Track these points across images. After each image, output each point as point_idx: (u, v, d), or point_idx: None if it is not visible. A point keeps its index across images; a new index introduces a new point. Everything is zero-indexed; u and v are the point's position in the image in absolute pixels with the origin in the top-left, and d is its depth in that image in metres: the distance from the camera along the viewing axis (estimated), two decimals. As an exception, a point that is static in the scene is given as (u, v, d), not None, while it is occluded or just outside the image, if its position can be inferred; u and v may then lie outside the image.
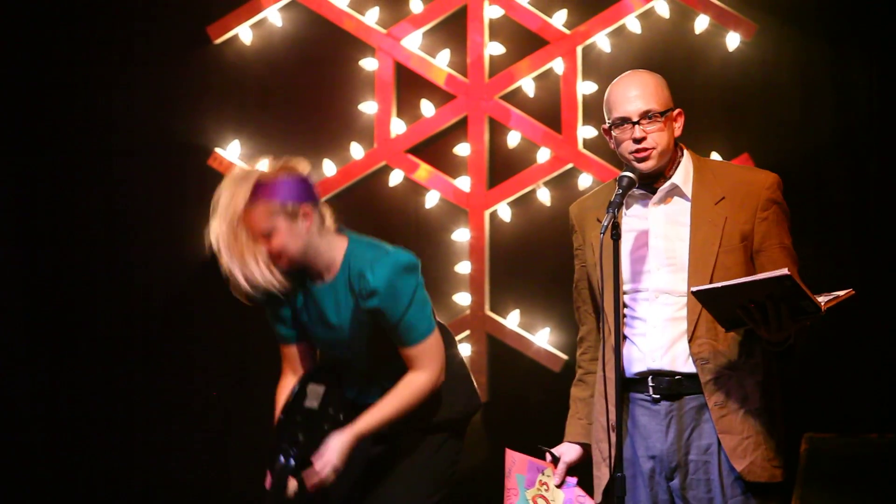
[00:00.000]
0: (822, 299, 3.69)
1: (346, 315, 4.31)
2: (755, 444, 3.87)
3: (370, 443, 4.39)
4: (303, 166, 4.30)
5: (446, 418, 4.40)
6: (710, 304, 3.73)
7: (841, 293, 3.74)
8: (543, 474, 4.04)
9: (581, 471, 4.09)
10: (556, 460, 4.04)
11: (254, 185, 4.21)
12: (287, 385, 4.43)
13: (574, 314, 4.22)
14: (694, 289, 3.71)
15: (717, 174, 3.95)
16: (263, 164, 4.28)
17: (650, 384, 3.92)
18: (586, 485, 4.05)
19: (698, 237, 3.89)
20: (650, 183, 3.95)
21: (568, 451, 4.09)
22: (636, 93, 3.93)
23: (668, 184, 3.94)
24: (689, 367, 3.89)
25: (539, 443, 4.13)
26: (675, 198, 3.95)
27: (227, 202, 4.24)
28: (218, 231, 4.25)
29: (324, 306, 4.35)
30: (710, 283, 3.80)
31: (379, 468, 4.41)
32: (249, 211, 4.21)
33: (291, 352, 4.48)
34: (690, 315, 3.87)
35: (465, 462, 6.13)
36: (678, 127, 3.96)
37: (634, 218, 3.97)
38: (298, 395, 4.30)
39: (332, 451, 4.21)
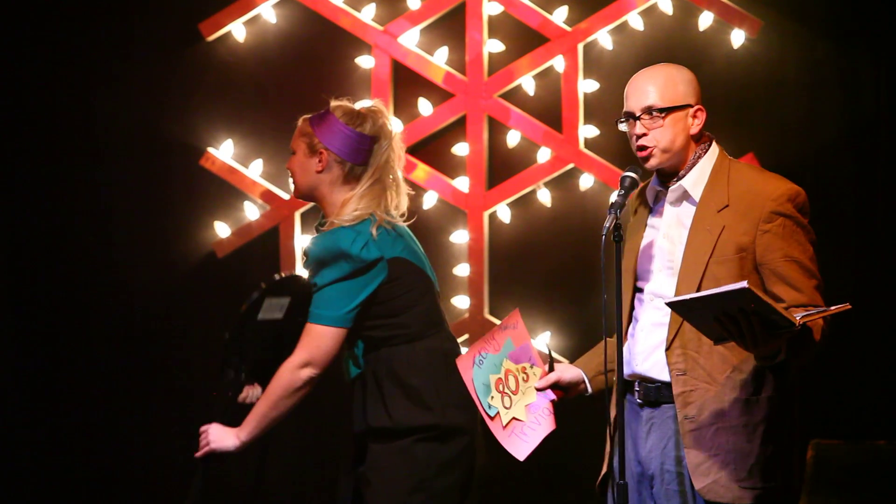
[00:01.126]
0: (801, 314, 3.59)
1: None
2: (722, 463, 3.78)
3: (352, 464, 4.42)
4: (374, 127, 4.38)
5: (418, 424, 4.36)
6: (689, 316, 3.67)
7: (832, 308, 3.63)
8: (531, 367, 4.00)
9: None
10: (551, 367, 3.99)
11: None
12: None
13: None
14: (667, 301, 3.65)
15: (732, 180, 3.85)
16: (364, 103, 4.46)
17: (636, 388, 3.89)
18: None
19: (693, 244, 3.82)
20: (665, 181, 3.90)
21: (567, 370, 4.00)
22: (644, 88, 3.87)
23: (676, 185, 3.88)
24: (667, 375, 3.84)
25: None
26: (686, 200, 3.89)
27: None
28: None
29: None
30: (698, 290, 3.75)
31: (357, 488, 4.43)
32: (301, 122, 4.47)
33: None
34: (672, 324, 3.82)
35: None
36: (696, 124, 3.86)
37: (655, 216, 3.93)
38: (253, 305, 4.34)
39: (221, 439, 4.32)
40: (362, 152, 4.37)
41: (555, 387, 3.97)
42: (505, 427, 3.93)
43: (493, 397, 3.95)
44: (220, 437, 4.33)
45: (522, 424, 3.93)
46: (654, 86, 3.85)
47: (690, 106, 3.85)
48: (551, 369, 3.98)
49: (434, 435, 4.36)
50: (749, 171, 3.92)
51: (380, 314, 4.36)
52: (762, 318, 3.53)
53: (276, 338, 4.37)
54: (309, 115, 4.44)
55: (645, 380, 3.88)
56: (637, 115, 3.84)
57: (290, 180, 4.49)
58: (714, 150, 3.89)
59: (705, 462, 3.77)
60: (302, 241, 6.18)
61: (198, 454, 4.36)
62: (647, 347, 3.87)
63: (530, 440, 3.91)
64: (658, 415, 3.86)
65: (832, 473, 5.34)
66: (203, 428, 4.38)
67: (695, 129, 3.85)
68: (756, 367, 3.79)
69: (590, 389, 4.01)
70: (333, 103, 4.43)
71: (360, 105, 4.45)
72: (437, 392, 4.38)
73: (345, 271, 4.28)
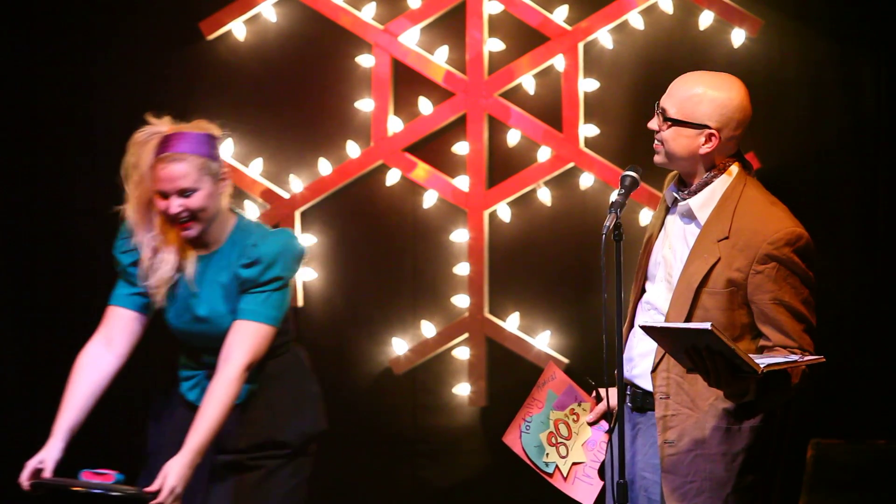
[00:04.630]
0: (768, 360, 3.55)
1: (219, 294, 4.19)
2: (698, 490, 3.76)
3: (207, 471, 4.22)
4: (215, 128, 4.14)
5: (288, 440, 4.30)
6: (661, 343, 3.66)
7: (806, 359, 3.60)
8: (579, 405, 4.00)
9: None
10: (599, 399, 3.98)
11: (168, 136, 4.06)
12: (97, 358, 4.27)
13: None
14: (642, 324, 3.63)
15: (739, 211, 3.76)
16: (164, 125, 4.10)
17: (627, 392, 3.88)
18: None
19: (689, 269, 3.78)
20: (681, 188, 3.86)
21: (613, 394, 3.98)
22: (673, 89, 3.82)
23: (683, 203, 3.83)
24: (651, 387, 3.83)
25: None
26: (693, 220, 3.83)
27: (136, 162, 4.10)
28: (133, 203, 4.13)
29: (198, 279, 4.21)
30: (688, 319, 3.72)
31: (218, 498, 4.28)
32: (166, 163, 4.03)
33: (119, 316, 4.31)
34: (659, 346, 3.79)
35: (465, 469, 6.13)
36: (706, 147, 3.76)
37: (671, 219, 3.89)
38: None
39: (173, 476, 4.01)
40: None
41: (607, 416, 3.97)
42: (566, 477, 3.94)
43: (547, 454, 3.96)
44: (178, 474, 4.00)
45: (583, 466, 3.93)
46: (679, 92, 3.79)
47: (706, 128, 3.75)
48: (598, 399, 3.97)
49: (304, 447, 4.34)
50: (756, 204, 3.79)
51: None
52: (726, 359, 3.50)
53: None
54: (169, 148, 4.07)
55: (634, 385, 3.87)
56: (658, 110, 3.82)
57: (190, 229, 4.10)
58: (729, 176, 3.80)
59: (681, 488, 3.76)
60: (302, 239, 6.14)
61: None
62: (637, 355, 3.86)
63: (594, 480, 3.91)
64: (643, 421, 3.86)
65: (832, 473, 5.32)
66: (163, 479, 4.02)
67: (704, 151, 3.77)
68: None
69: None
70: (167, 126, 4.11)
71: (167, 124, 4.19)
72: (306, 406, 4.37)
73: (292, 271, 4.14)
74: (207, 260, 4.19)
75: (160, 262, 4.14)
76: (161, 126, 4.13)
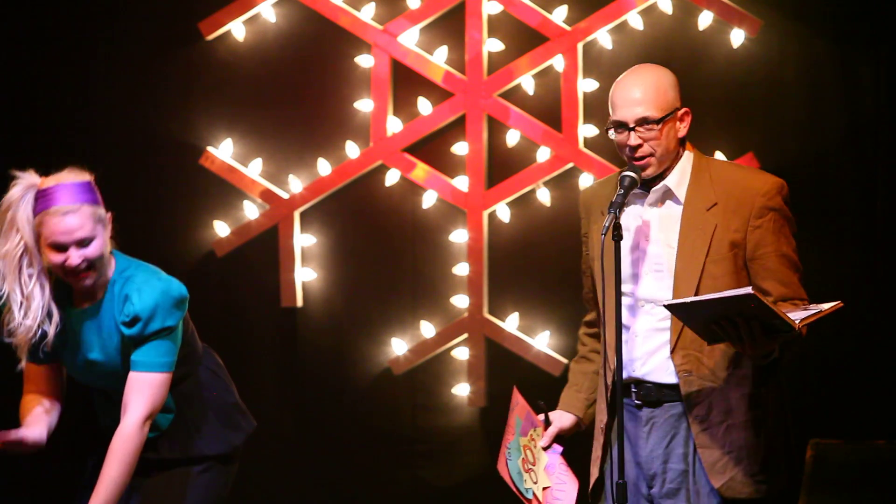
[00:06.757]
0: (798, 315, 3.59)
1: (112, 344, 4.16)
2: (737, 460, 3.80)
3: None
4: (87, 173, 4.10)
5: (211, 453, 4.29)
6: (686, 318, 3.67)
7: (826, 307, 3.65)
8: (535, 430, 4.00)
9: (570, 443, 4.05)
10: (548, 423, 3.99)
11: (50, 189, 4.01)
12: (33, 407, 4.25)
13: (582, 298, 4.15)
14: (665, 303, 3.65)
15: (715, 178, 3.85)
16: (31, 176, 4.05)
17: (633, 391, 3.88)
18: (573, 462, 3.99)
19: (686, 245, 3.81)
20: (647, 182, 3.88)
21: (560, 418, 4.02)
22: (636, 96, 3.83)
23: (660, 185, 3.86)
24: (669, 377, 3.84)
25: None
26: (669, 201, 3.87)
27: (11, 217, 4.01)
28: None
29: (85, 333, 4.18)
30: (697, 292, 3.75)
31: None
32: (59, 217, 4.00)
33: (38, 373, 4.27)
34: (674, 325, 3.81)
35: (464, 470, 6.12)
36: (683, 127, 3.86)
37: (631, 217, 3.89)
38: None
39: None
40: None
41: (559, 439, 3.98)
42: (542, 502, 3.94)
43: (525, 480, 3.97)
44: None
45: (552, 489, 3.93)
46: (648, 95, 3.81)
47: (679, 109, 3.84)
48: (547, 422, 3.98)
49: (233, 454, 4.35)
50: (729, 168, 3.94)
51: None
52: (762, 322, 3.53)
53: None
54: (63, 201, 4.01)
55: (643, 382, 3.87)
56: (631, 126, 3.81)
57: (88, 279, 4.05)
58: (690, 151, 3.89)
59: (720, 460, 3.80)
60: (301, 240, 6.15)
61: None
62: (645, 352, 3.86)
63: (566, 499, 3.91)
64: (659, 414, 3.86)
65: (832, 473, 5.30)
66: None
67: (682, 132, 3.85)
68: (755, 364, 3.80)
69: (584, 424, 4.05)
70: (38, 178, 4.06)
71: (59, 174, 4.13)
72: (230, 417, 4.36)
73: (176, 318, 4.10)
74: (94, 311, 4.16)
75: (26, 315, 4.06)
76: (31, 178, 4.08)
